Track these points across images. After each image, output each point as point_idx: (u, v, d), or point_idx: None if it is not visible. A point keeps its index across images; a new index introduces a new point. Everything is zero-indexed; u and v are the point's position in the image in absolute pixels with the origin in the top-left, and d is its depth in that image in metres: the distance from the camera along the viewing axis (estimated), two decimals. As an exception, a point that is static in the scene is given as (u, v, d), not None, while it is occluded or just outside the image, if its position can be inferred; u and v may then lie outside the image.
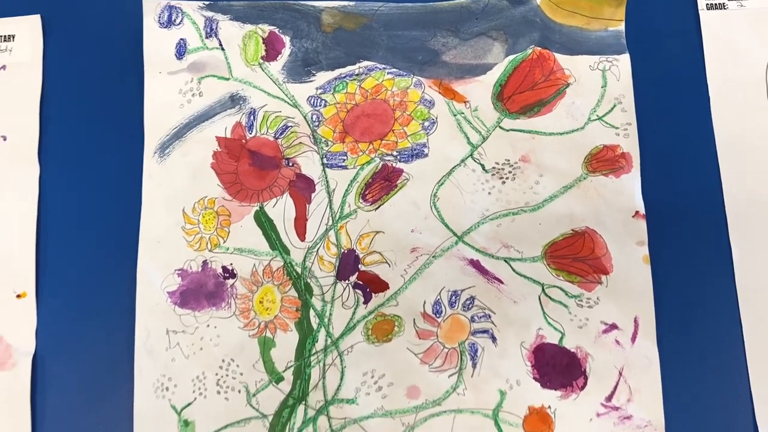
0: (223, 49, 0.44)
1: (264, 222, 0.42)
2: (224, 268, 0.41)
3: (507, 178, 0.42)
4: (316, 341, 0.40)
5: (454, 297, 0.41)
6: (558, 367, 0.40)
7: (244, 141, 0.43)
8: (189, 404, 0.40)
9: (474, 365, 0.40)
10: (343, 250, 0.42)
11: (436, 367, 0.40)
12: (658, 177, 0.42)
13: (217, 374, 0.40)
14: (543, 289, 0.41)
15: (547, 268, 0.41)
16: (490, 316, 0.41)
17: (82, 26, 0.45)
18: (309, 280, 0.41)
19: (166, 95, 0.43)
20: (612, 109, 0.43)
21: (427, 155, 0.43)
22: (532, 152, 0.43)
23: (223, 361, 0.40)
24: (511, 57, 0.44)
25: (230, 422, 0.39)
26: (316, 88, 0.44)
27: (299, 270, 0.41)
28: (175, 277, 0.41)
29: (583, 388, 0.40)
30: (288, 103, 0.44)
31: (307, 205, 0.42)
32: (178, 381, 0.40)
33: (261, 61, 0.44)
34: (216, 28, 0.44)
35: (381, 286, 0.41)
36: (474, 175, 0.42)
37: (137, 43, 0.44)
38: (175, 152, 0.43)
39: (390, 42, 0.44)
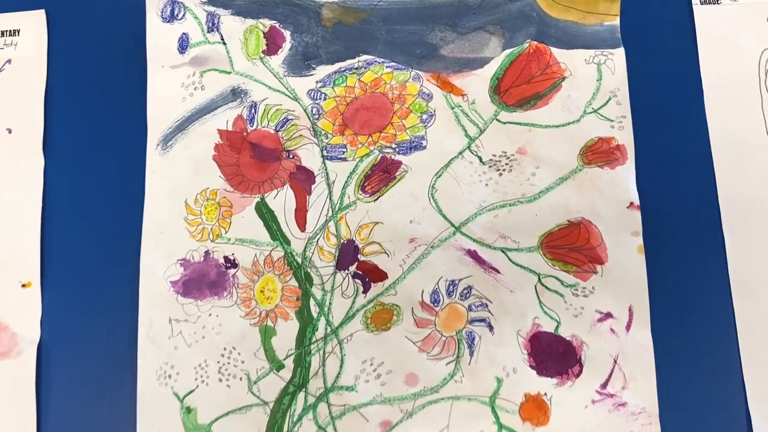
0: (224, 44, 0.45)
1: (265, 213, 0.43)
2: (226, 258, 0.42)
3: (504, 170, 0.43)
4: (316, 330, 0.41)
5: (451, 286, 0.41)
6: (554, 355, 0.40)
7: (245, 134, 0.44)
8: (191, 392, 0.40)
9: (471, 353, 0.40)
10: (342, 241, 0.42)
11: (434, 355, 0.41)
12: (652, 169, 0.43)
13: (218, 362, 0.40)
14: (539, 279, 0.41)
15: (543, 258, 0.42)
16: (487, 305, 0.41)
17: (86, 21, 0.46)
18: (309, 270, 0.42)
19: (168, 89, 0.44)
20: (607, 102, 0.44)
21: (425, 147, 0.43)
22: (529, 144, 0.43)
23: (225, 349, 0.41)
24: (507, 51, 0.44)
25: (232, 409, 0.40)
26: (316, 82, 0.44)
27: (299, 260, 0.42)
28: (177, 267, 0.42)
29: (578, 375, 0.40)
30: (288, 97, 0.44)
31: (308, 197, 0.43)
32: (180, 369, 0.40)
33: (262, 55, 0.45)
34: (218, 22, 0.45)
35: (380, 275, 0.41)
36: (471, 167, 0.43)
37: (140, 38, 0.45)
38: (178, 145, 0.43)
39: (389, 36, 0.45)
